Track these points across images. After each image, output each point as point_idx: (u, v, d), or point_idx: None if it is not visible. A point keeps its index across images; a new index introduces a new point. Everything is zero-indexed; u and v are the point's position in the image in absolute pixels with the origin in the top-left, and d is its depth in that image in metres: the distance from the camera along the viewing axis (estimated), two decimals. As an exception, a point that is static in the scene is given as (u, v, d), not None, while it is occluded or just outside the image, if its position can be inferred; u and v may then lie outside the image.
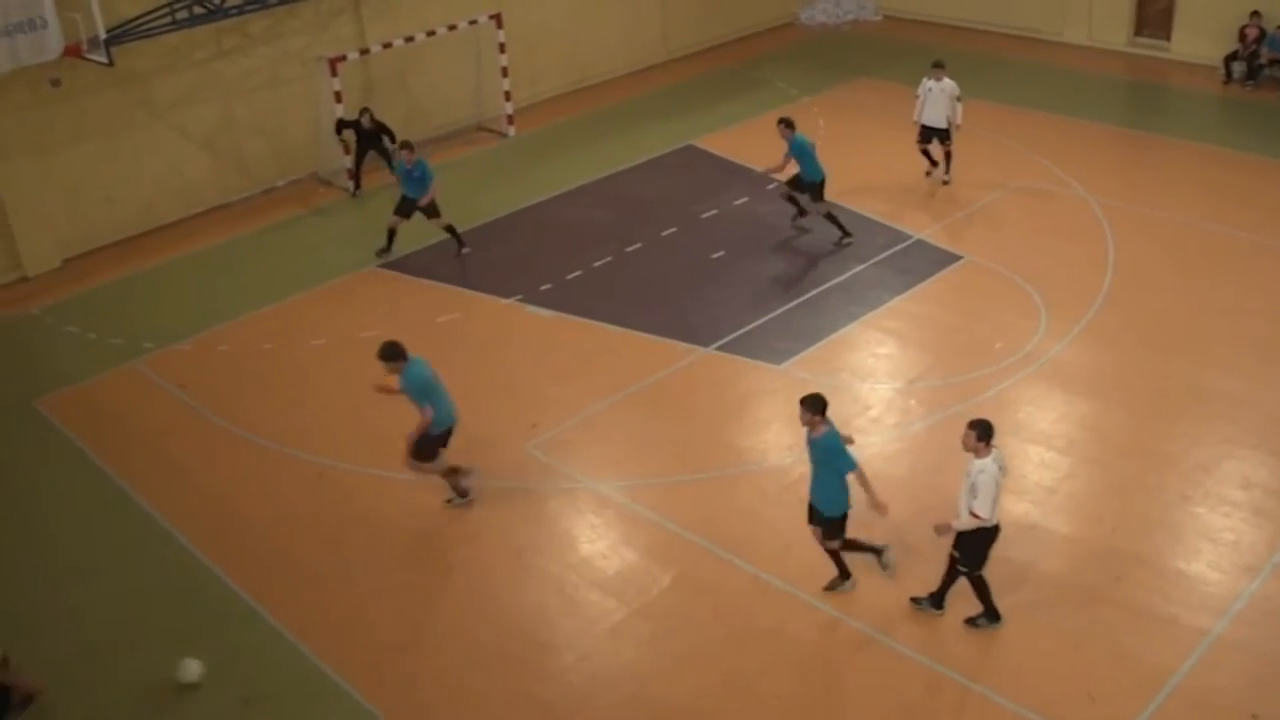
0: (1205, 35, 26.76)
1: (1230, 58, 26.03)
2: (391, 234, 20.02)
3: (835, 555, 12.36)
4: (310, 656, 12.09)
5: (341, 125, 22.33)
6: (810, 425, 11.68)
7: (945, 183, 21.49)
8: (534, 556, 13.32)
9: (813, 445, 11.77)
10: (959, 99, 20.69)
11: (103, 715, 11.65)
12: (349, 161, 22.60)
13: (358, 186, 22.59)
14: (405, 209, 19.68)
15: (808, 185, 19.71)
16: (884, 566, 12.52)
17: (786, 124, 19.57)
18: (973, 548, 11.51)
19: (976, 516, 11.15)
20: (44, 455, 15.65)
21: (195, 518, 14.21)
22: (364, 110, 22.05)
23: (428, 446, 13.54)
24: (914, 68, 21.36)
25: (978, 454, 11.18)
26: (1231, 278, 18.00)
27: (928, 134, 21.15)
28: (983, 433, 11.16)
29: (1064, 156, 22.49)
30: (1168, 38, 27.73)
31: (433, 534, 13.76)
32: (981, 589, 11.76)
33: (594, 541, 13.52)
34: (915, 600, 12.16)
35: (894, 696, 11.25)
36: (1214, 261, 18.51)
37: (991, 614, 11.83)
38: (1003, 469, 11.27)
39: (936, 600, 12.05)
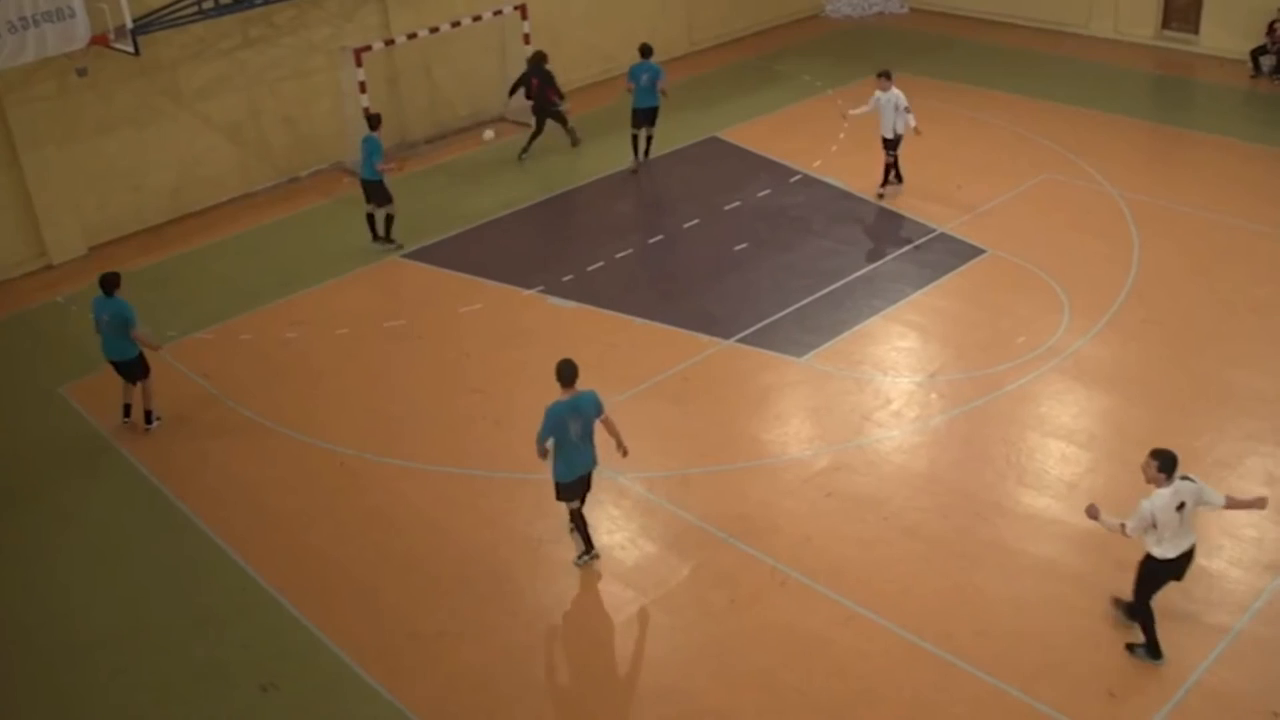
0: (1233, 28, 26.58)
1: (1258, 51, 25.83)
2: (388, 221, 20.28)
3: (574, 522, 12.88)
4: (328, 644, 12.15)
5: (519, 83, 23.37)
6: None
7: (880, 195, 21.06)
8: (552, 547, 13.34)
9: None
10: (907, 109, 20.23)
11: (121, 699, 11.74)
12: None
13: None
14: (383, 193, 20.05)
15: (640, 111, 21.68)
16: (579, 561, 13.01)
17: (641, 50, 21.60)
18: (1148, 575, 11.12)
19: (1123, 530, 10.89)
20: (68, 442, 15.75)
21: (216, 505, 14.30)
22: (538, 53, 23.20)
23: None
24: (940, 61, 21.32)
25: (1158, 484, 10.74)
26: (1256, 274, 17.88)
27: (884, 143, 20.82)
28: (1163, 464, 10.69)
29: (1089, 150, 22.38)
30: (1195, 31, 27.55)
31: (452, 524, 13.81)
32: (1143, 618, 11.32)
33: (613, 532, 13.54)
34: (1130, 648, 11.53)
35: (909, 690, 11.23)
36: (1239, 257, 18.39)
37: (1153, 649, 11.32)
38: (1187, 503, 10.71)
39: (1151, 650, 11.39)
